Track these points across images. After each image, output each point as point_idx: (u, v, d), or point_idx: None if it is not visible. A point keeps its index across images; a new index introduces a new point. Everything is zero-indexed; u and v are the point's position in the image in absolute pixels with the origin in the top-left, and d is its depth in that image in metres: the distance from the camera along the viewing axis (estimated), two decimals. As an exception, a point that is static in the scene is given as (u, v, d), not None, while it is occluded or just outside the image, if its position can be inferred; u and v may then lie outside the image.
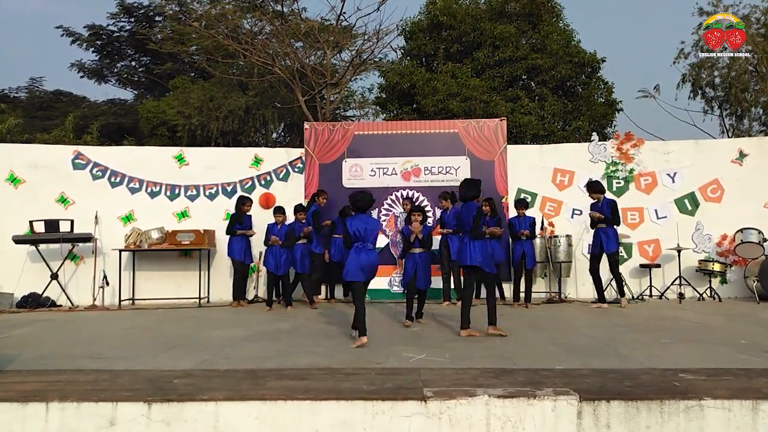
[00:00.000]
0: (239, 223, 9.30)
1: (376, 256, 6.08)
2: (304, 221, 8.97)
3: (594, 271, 8.61)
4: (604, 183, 9.82)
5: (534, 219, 9.04)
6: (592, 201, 8.71)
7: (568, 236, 9.60)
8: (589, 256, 9.88)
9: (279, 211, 9.02)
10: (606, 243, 8.43)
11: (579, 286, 10.00)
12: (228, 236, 9.35)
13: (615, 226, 8.55)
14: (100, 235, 9.91)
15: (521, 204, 9.05)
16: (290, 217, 9.26)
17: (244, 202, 9.36)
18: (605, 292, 8.81)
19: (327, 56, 14.60)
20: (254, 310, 8.74)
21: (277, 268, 8.76)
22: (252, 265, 9.78)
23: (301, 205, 9.26)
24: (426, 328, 6.76)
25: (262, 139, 17.79)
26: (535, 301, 8.95)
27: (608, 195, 9.27)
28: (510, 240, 9.17)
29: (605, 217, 8.44)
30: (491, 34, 14.17)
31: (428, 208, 9.80)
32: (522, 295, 8.83)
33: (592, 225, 8.75)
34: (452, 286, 8.92)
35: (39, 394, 3.97)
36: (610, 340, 5.88)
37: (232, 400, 3.85)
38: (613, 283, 8.80)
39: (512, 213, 9.47)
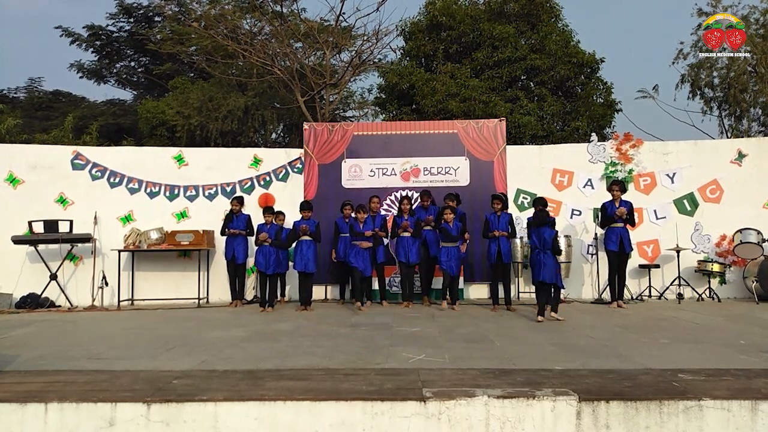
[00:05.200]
0: (230, 223, 9.40)
1: None
2: (309, 219, 8.92)
3: (615, 270, 8.61)
4: (603, 183, 9.87)
5: (554, 219, 8.52)
6: (610, 199, 8.71)
7: (567, 237, 9.61)
8: (589, 256, 9.93)
9: (268, 211, 9.08)
10: (625, 243, 8.53)
11: (578, 286, 10.00)
12: (224, 237, 9.47)
13: (629, 227, 8.68)
14: (99, 235, 9.90)
15: (539, 203, 8.48)
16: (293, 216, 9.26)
17: (231, 202, 9.51)
18: (603, 294, 8.83)
19: (326, 57, 14.60)
20: (253, 311, 8.73)
21: (266, 268, 8.78)
22: (251, 266, 9.78)
23: (307, 202, 9.21)
24: (425, 329, 6.76)
25: (262, 140, 17.78)
26: (531, 302, 8.94)
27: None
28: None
29: (627, 216, 8.52)
30: (490, 35, 14.16)
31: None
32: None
33: (603, 224, 8.75)
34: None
35: (38, 395, 3.96)
36: (609, 341, 5.88)
37: (231, 400, 3.85)
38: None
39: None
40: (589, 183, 10.20)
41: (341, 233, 9.21)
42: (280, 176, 10.48)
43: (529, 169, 10.29)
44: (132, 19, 19.91)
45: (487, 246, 8.66)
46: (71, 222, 9.61)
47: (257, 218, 9.49)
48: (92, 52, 20.65)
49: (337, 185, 10.14)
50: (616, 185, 8.75)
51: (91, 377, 4.50)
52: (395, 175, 10.19)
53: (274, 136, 18.50)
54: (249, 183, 10.41)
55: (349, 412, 3.78)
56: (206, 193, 10.34)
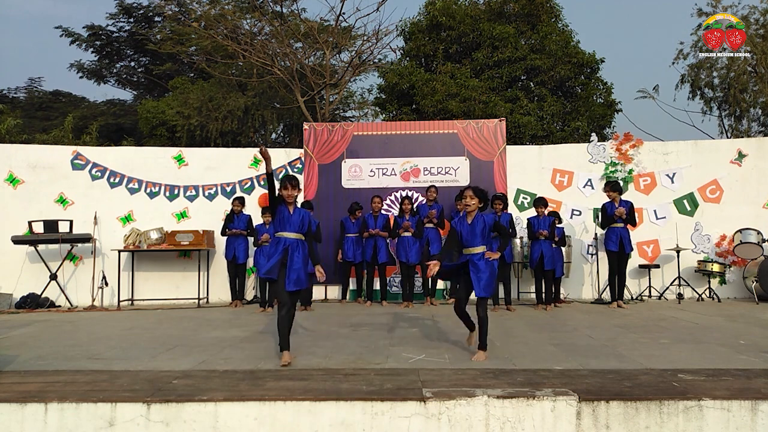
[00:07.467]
0: (231, 223, 9.40)
1: None
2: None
3: (615, 270, 8.62)
4: (602, 184, 9.86)
5: (554, 219, 8.69)
6: (607, 200, 8.72)
7: (567, 237, 9.59)
8: (589, 257, 9.93)
9: (267, 211, 9.02)
10: (626, 243, 8.53)
11: (578, 286, 10.00)
12: (224, 237, 9.46)
13: (630, 227, 8.68)
14: (99, 235, 9.90)
15: (541, 203, 8.65)
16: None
17: (233, 202, 9.50)
18: (603, 294, 8.82)
19: (326, 57, 14.60)
20: (253, 311, 8.73)
21: None
22: (251, 266, 9.78)
23: (307, 202, 9.17)
24: (425, 329, 6.76)
25: (262, 140, 17.77)
26: (531, 302, 8.95)
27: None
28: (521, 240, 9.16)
29: (627, 216, 8.53)
30: (490, 35, 14.16)
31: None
32: (543, 296, 8.59)
33: (603, 225, 8.75)
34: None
35: (38, 395, 3.96)
36: (609, 341, 5.87)
37: (231, 400, 3.84)
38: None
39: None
40: (589, 183, 10.21)
41: (347, 233, 9.24)
42: (280, 176, 10.44)
43: (529, 169, 10.29)
44: (132, 19, 19.92)
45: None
46: (71, 222, 9.61)
47: (257, 218, 9.49)
48: (92, 52, 20.67)
49: (337, 185, 10.14)
50: (609, 186, 8.75)
51: (91, 377, 4.50)
52: (395, 175, 10.19)
53: (274, 136, 18.51)
54: (249, 183, 10.41)
55: (349, 412, 3.78)
56: (206, 193, 10.35)
